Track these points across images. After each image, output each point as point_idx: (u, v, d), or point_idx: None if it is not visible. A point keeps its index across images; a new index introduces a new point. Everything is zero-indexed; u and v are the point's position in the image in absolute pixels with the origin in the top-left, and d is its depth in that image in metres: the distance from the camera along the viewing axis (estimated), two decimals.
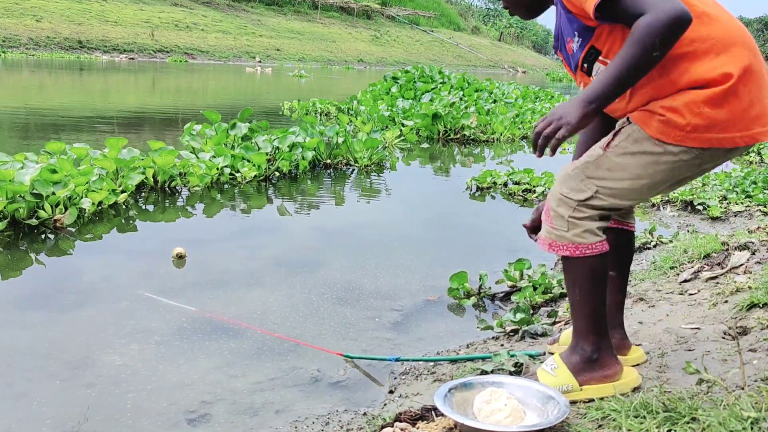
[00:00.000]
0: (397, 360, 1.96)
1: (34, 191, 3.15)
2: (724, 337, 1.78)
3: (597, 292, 1.47)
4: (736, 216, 3.82)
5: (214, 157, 4.44)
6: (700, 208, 3.94)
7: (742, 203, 3.98)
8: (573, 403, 1.46)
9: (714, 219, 3.80)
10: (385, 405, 1.71)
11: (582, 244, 1.42)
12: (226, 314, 2.30)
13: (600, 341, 1.49)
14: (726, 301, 2.08)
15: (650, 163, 1.38)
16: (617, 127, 1.44)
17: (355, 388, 1.86)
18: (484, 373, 1.74)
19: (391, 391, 1.81)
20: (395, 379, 1.89)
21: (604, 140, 1.44)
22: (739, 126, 1.34)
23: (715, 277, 2.42)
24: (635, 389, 1.49)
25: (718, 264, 2.57)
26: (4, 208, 3.02)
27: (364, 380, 1.90)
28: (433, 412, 1.54)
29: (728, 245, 2.76)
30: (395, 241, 3.39)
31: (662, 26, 1.23)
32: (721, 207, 3.87)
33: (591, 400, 1.44)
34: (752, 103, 1.33)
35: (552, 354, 1.67)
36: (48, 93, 11.02)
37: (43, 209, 3.14)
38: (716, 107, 1.32)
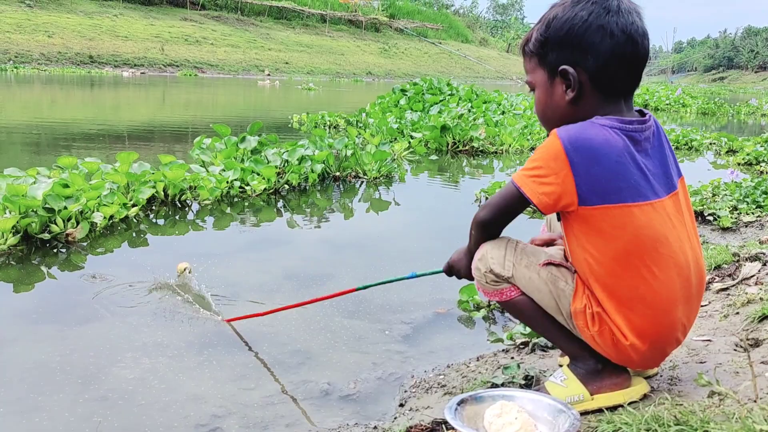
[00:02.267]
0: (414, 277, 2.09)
1: (47, 206, 3.18)
2: (735, 349, 1.77)
3: (546, 319, 1.54)
4: (747, 226, 3.80)
5: (224, 170, 4.46)
6: (711, 218, 3.92)
7: (752, 213, 3.96)
8: (584, 414, 1.46)
9: (725, 230, 3.78)
10: (395, 418, 1.71)
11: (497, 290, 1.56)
12: (237, 327, 2.31)
13: (596, 353, 1.51)
14: (737, 313, 2.07)
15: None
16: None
17: (365, 401, 1.86)
18: (494, 386, 1.74)
19: (401, 405, 1.82)
20: (405, 392, 1.89)
21: (550, 255, 1.53)
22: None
23: (726, 289, 2.40)
24: (644, 396, 1.50)
25: (729, 275, 2.56)
26: (17, 222, 3.05)
27: (375, 393, 1.90)
28: (443, 426, 1.54)
29: (739, 256, 2.75)
30: (404, 253, 3.39)
31: (474, 224, 1.55)
32: (731, 217, 3.85)
33: (601, 412, 1.43)
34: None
35: (561, 366, 1.67)
36: (59, 108, 11.14)
37: (55, 223, 3.17)
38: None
